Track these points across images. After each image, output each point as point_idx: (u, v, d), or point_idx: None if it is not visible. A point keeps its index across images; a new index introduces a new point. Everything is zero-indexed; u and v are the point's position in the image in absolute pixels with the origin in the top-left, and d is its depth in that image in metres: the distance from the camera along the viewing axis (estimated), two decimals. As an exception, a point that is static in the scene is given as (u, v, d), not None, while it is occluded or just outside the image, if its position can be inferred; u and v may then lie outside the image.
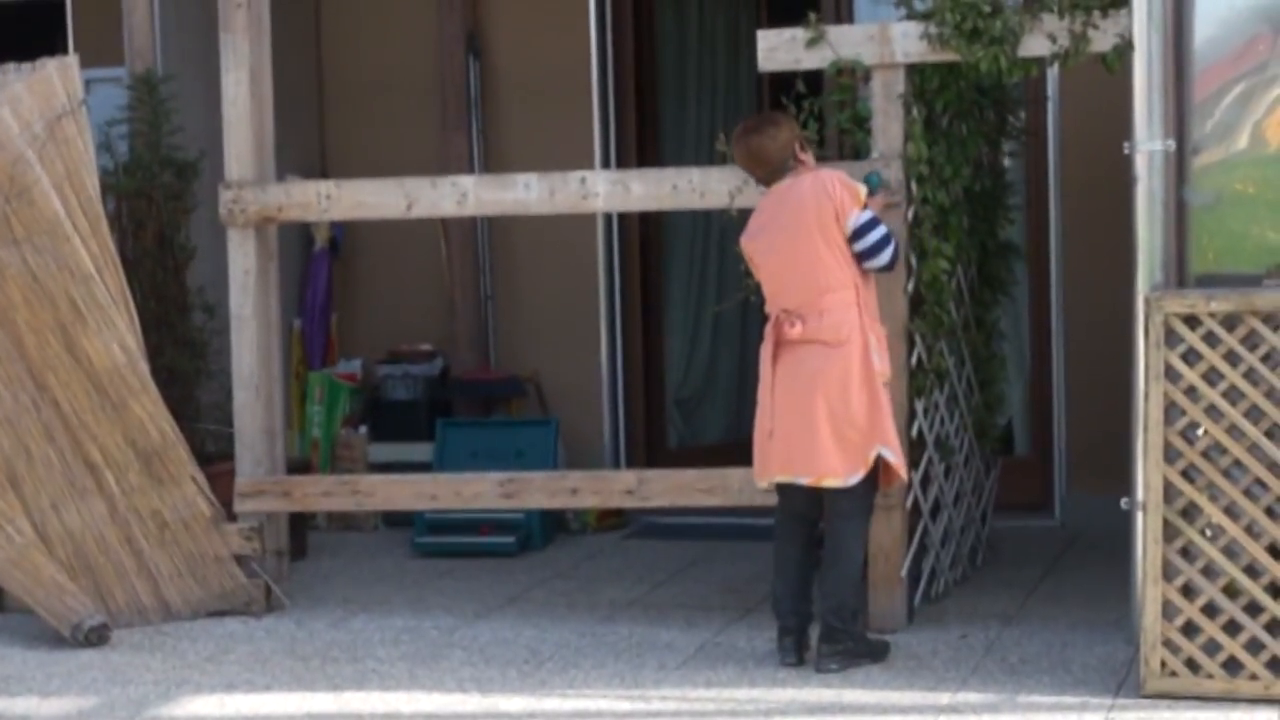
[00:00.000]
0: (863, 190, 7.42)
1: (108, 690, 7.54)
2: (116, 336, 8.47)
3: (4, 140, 8.34)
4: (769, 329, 7.45)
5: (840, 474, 7.34)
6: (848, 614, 7.43)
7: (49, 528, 8.44)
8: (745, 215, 8.32)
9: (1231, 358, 6.85)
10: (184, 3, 9.91)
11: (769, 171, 7.53)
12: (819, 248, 7.36)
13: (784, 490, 7.51)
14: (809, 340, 7.35)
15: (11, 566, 8.35)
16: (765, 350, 7.45)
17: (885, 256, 7.41)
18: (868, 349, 7.36)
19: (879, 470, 7.42)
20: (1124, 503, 7.42)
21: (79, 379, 8.43)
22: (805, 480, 7.37)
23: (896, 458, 7.42)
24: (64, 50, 10.01)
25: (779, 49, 8.11)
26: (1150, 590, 6.87)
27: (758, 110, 11.32)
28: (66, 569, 8.41)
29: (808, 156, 7.58)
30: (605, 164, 10.58)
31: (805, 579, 7.55)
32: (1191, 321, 6.89)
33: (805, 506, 7.53)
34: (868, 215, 7.39)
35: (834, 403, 7.32)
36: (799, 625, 7.53)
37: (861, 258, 7.39)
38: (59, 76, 8.50)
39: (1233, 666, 6.84)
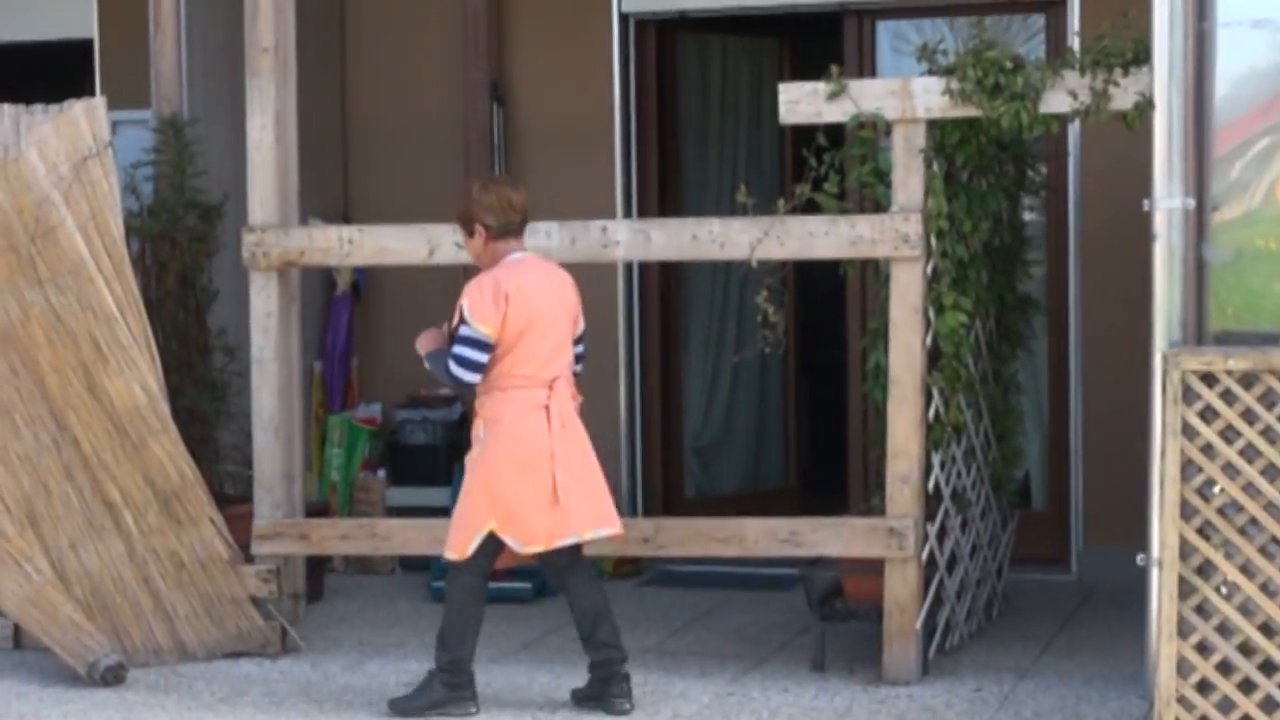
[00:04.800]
0: None
1: (123, 730, 7.57)
2: (138, 377, 8.50)
3: (30, 181, 8.39)
4: (539, 395, 7.56)
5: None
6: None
7: (67, 566, 8.47)
8: (765, 266, 8.37)
9: (1249, 416, 6.86)
10: (211, 47, 9.97)
11: (520, 223, 7.72)
12: (570, 332, 7.74)
13: (550, 552, 7.63)
14: (574, 409, 7.72)
15: (29, 605, 8.38)
16: (538, 417, 7.55)
17: (580, 365, 7.89)
18: None
19: None
20: (1140, 559, 7.42)
21: (100, 419, 8.47)
22: (608, 533, 7.69)
23: None
24: (91, 92, 10.08)
25: (801, 102, 8.15)
26: (1165, 647, 6.86)
27: (779, 162, 11.38)
28: (84, 608, 8.43)
29: None
30: (626, 213, 10.61)
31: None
32: (1209, 379, 6.90)
33: (555, 563, 7.75)
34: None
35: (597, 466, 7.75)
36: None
37: (577, 359, 7.84)
38: (86, 118, 8.56)
39: (1247, 724, 6.84)
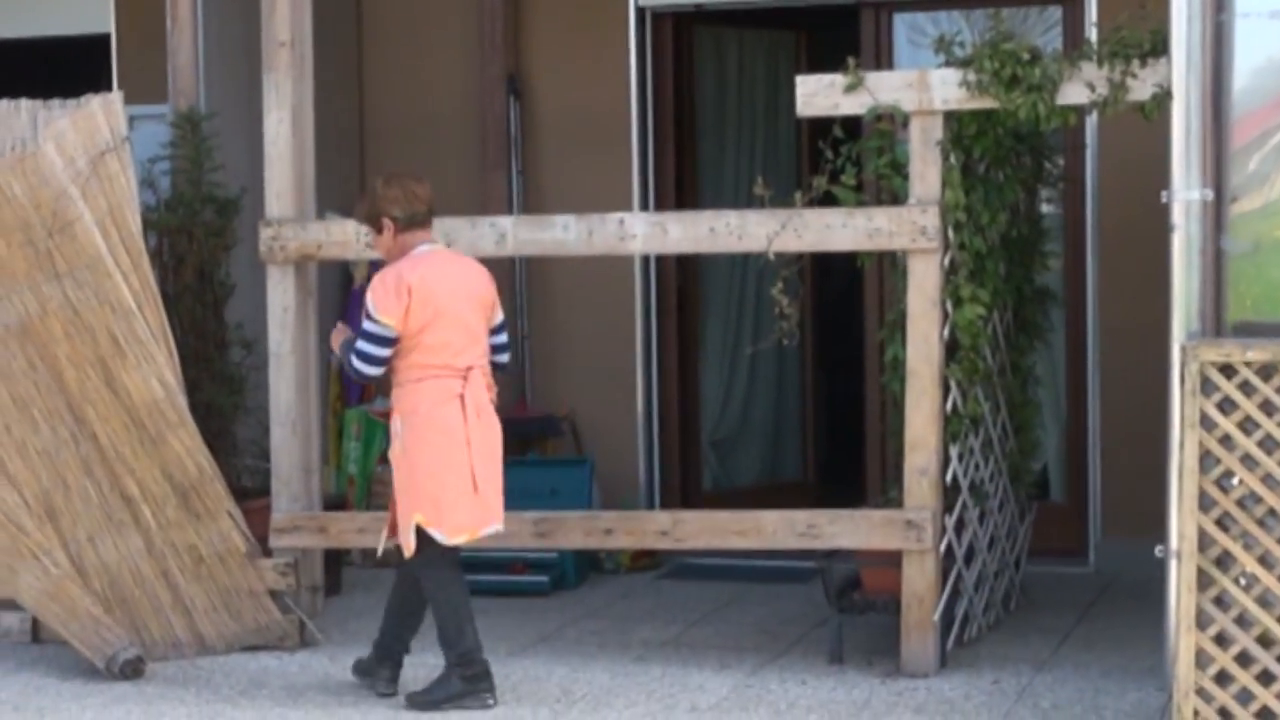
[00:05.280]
0: None
1: (142, 723, 7.59)
2: (155, 371, 8.52)
3: (48, 175, 8.41)
4: (454, 385, 7.59)
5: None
6: None
7: (85, 560, 8.49)
8: (782, 258, 8.37)
9: (1267, 407, 6.85)
10: (228, 41, 9.99)
11: (426, 214, 7.74)
12: (485, 322, 7.75)
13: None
14: (490, 399, 7.73)
15: (48, 598, 8.40)
16: (454, 407, 7.58)
17: (505, 356, 7.92)
18: None
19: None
20: (1158, 550, 7.41)
21: (118, 413, 8.48)
22: (499, 529, 7.75)
23: None
24: (109, 87, 10.08)
25: (818, 94, 8.14)
26: (1183, 638, 6.86)
27: (795, 154, 11.37)
28: (102, 601, 8.45)
29: None
30: (643, 206, 10.61)
31: None
32: (1227, 370, 6.89)
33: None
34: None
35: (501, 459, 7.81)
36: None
37: (495, 350, 7.84)
38: (103, 113, 8.57)
39: (1266, 716, 6.82)
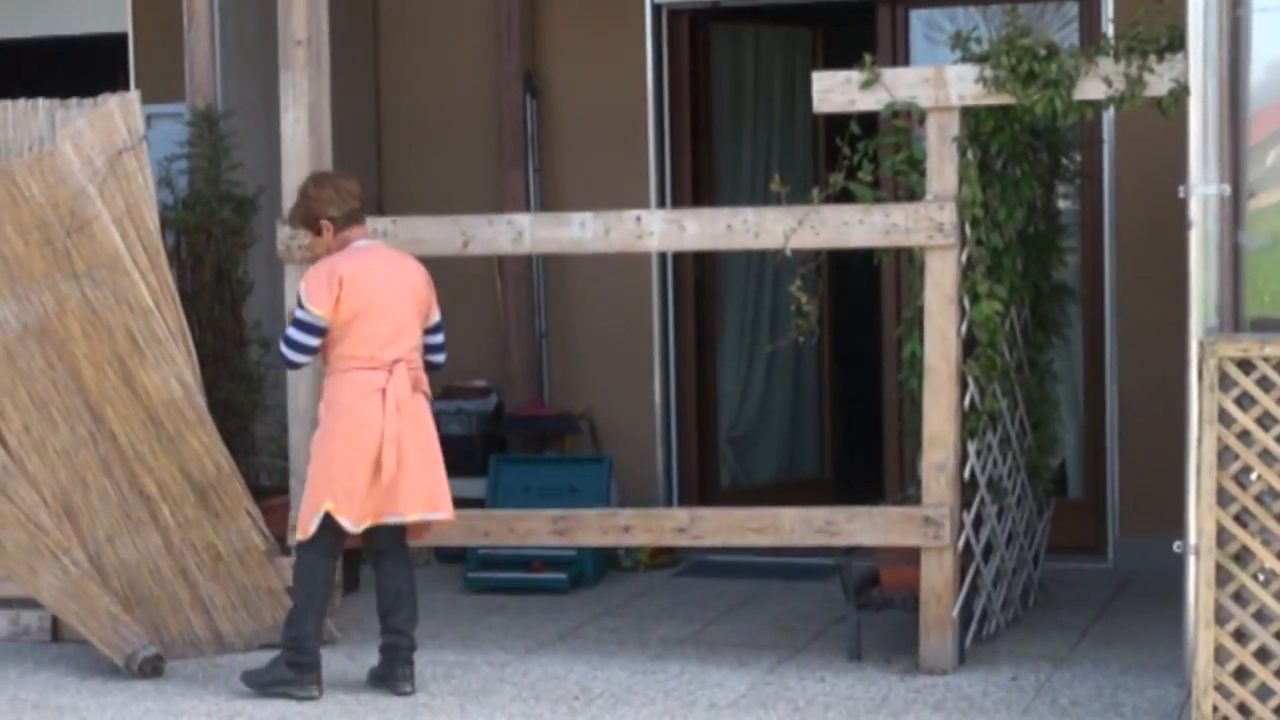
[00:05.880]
0: None
1: (161, 721, 7.59)
2: (174, 370, 8.53)
3: (65, 174, 8.42)
4: (377, 379, 7.69)
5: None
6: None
7: (104, 559, 8.50)
8: (799, 255, 8.37)
9: (1285, 402, 6.84)
10: (245, 40, 9.99)
11: (360, 210, 7.90)
12: (418, 319, 7.89)
13: (373, 530, 7.82)
14: (419, 391, 7.86)
15: (67, 597, 8.42)
16: (374, 401, 7.68)
17: (440, 356, 8.09)
18: None
19: None
20: (1177, 546, 7.40)
21: (136, 412, 8.49)
22: (441, 516, 7.89)
23: None
24: (126, 86, 10.10)
25: (834, 90, 8.14)
26: (1202, 634, 6.84)
27: (812, 151, 11.36)
28: (121, 600, 8.46)
29: None
30: (660, 203, 10.61)
31: None
32: (1245, 366, 6.87)
33: (376, 543, 7.92)
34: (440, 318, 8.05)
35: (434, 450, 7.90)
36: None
37: (430, 350, 8.01)
38: (120, 112, 8.58)
39: (1285, 712, 6.82)
